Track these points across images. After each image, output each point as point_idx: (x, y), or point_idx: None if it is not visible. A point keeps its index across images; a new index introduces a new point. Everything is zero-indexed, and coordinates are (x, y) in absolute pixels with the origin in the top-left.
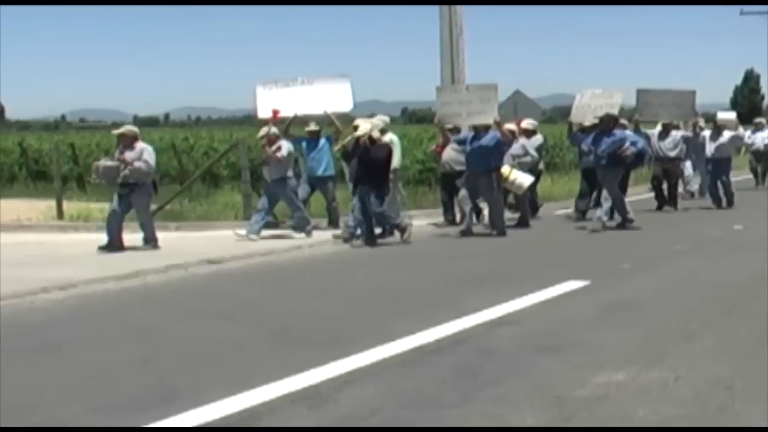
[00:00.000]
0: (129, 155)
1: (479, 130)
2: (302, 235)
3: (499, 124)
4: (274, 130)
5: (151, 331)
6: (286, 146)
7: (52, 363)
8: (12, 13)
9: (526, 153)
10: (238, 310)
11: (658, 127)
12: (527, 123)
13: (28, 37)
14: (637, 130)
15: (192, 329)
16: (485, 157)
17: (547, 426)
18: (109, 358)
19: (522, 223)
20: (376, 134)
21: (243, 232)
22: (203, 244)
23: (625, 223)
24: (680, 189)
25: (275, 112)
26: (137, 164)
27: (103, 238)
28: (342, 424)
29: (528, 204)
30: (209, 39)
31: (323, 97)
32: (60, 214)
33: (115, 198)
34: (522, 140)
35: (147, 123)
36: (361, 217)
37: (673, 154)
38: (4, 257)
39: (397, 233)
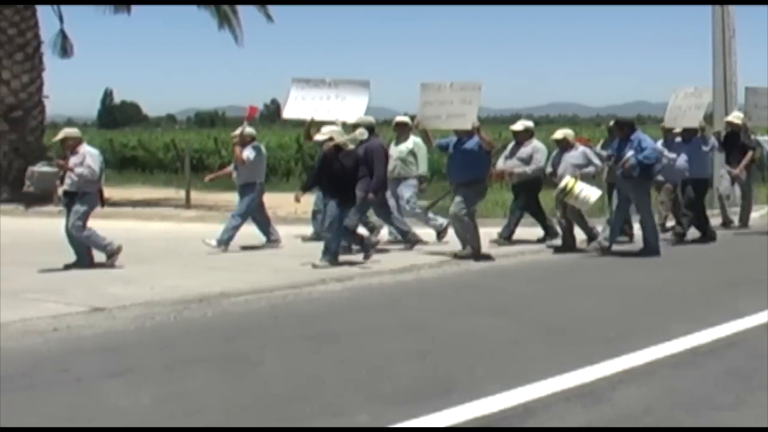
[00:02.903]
0: (71, 161)
1: (462, 135)
2: (220, 248)
3: (477, 130)
4: (249, 130)
5: (426, 323)
6: (254, 150)
7: (331, 352)
8: (293, 18)
9: (589, 162)
10: (510, 305)
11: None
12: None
13: (300, 40)
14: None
15: (466, 323)
16: (467, 165)
17: None
18: (386, 349)
19: (590, 237)
20: (341, 141)
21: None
22: None
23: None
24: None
25: (252, 110)
26: (79, 170)
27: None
28: (616, 424)
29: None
30: (471, 39)
31: (341, 103)
32: None
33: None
34: (582, 147)
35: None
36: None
37: None
38: (284, 249)
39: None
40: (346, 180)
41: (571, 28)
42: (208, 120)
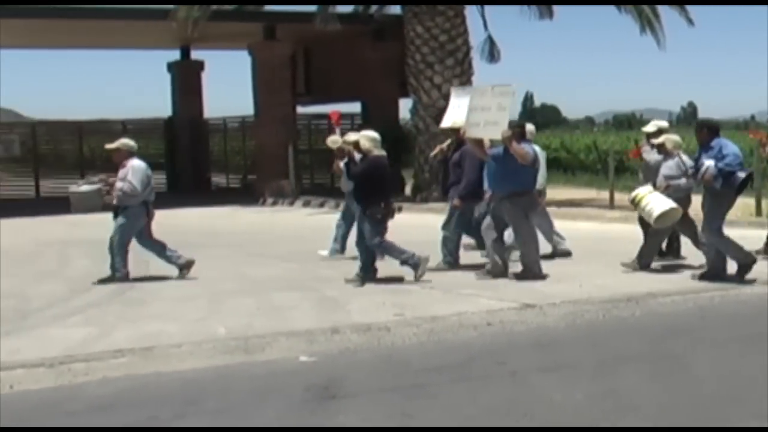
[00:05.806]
0: (119, 174)
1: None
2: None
3: (508, 141)
4: (352, 136)
5: None
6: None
7: (761, 354)
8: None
9: (682, 174)
10: None
11: None
12: None
13: (719, 45)
14: None
15: None
16: (512, 175)
17: None
18: None
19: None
20: (365, 144)
21: (325, 252)
22: None
23: (742, 272)
24: None
25: (334, 115)
26: (119, 185)
27: None
28: None
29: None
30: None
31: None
32: (758, 210)
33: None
34: (683, 156)
35: None
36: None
37: None
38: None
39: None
40: (356, 186)
41: None
42: (625, 122)
